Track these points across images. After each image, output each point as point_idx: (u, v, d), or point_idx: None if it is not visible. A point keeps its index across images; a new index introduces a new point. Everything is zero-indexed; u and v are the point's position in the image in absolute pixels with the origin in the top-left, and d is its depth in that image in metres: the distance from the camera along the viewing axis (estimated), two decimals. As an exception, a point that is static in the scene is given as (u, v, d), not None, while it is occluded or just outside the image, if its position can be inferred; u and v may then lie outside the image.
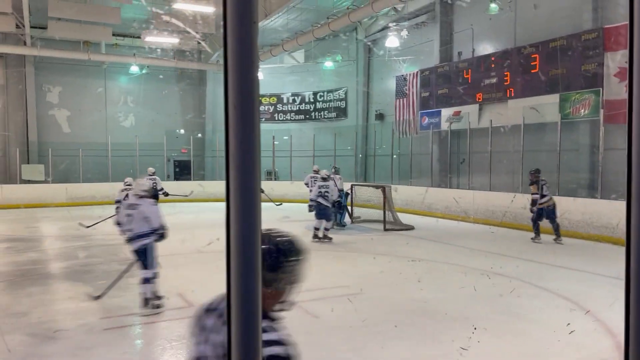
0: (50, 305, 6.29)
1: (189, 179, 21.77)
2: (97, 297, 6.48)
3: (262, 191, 17.29)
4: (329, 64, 21.89)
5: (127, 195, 12.64)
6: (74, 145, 20.75)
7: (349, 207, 13.94)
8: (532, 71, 13.65)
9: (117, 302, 6.41)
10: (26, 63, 20.66)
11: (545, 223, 10.62)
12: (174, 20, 16.92)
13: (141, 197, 6.23)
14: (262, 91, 23.76)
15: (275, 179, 21.94)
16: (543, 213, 10.49)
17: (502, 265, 8.41)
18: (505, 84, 14.48)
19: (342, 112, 22.38)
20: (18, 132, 20.82)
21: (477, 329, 5.24)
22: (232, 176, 0.76)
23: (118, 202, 12.18)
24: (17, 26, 18.22)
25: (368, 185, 14.15)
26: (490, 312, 5.91)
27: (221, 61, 14.66)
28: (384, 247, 10.36)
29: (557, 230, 10.47)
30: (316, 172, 13.59)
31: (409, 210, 15.31)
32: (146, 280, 6.08)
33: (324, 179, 11.32)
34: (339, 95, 22.36)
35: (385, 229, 12.43)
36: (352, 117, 22.01)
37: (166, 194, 13.72)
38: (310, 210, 11.31)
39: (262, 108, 23.95)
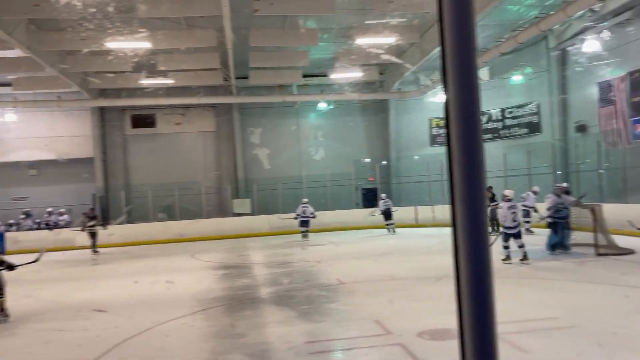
0: (263, 327, 6.85)
1: (377, 206, 22.22)
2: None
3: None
4: (517, 77, 20.60)
5: (304, 210, 18.10)
6: (274, 180, 22.83)
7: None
8: None
9: (320, 327, 6.71)
10: (233, 110, 23.55)
11: None
12: (356, 56, 17.72)
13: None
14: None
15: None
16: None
17: None
18: None
19: (535, 128, 20.76)
20: (229, 171, 23.70)
21: None
22: (458, 209, 0.70)
23: (298, 215, 18.07)
24: (224, 79, 20.93)
25: (574, 206, 12.71)
26: None
27: (403, 88, 15.07)
28: (597, 274, 9.17)
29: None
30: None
31: (626, 232, 13.37)
32: (522, 245, 10.58)
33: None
34: (531, 110, 20.81)
35: (599, 254, 11.02)
36: (546, 132, 20.26)
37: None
38: None
39: (444, 131, 23.52)
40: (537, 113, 20.63)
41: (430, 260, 11.82)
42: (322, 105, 23.80)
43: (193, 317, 7.65)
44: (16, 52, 16.29)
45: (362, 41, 16.17)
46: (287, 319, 7.25)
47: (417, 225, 20.37)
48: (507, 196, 10.92)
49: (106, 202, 22.67)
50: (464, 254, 0.73)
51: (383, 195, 19.54)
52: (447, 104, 0.76)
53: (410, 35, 16.76)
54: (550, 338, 5.61)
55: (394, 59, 19.23)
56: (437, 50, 17.41)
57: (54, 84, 19.53)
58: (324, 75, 21.81)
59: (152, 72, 19.20)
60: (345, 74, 20.15)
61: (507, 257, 10.59)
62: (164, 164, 23.25)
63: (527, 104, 20.95)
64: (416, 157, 23.66)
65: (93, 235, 17.89)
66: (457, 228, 0.76)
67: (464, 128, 0.74)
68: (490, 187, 16.42)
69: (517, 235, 10.69)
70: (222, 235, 20.68)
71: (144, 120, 23.27)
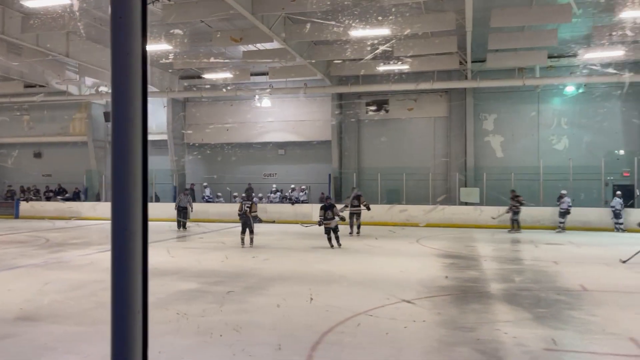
0: (493, 324, 6.41)
1: (632, 206, 19.13)
2: (624, 262, 10.07)
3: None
4: None
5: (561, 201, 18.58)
6: (507, 170, 21.43)
7: None
8: None
9: (561, 335, 6.00)
10: (466, 95, 22.72)
11: None
12: (618, 31, 15.29)
13: None
14: None
15: None
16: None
17: None
18: None
19: None
20: (457, 158, 23.06)
21: None
22: None
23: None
24: (460, 63, 20.26)
25: None
26: None
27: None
28: None
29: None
30: None
31: None
32: None
33: None
34: None
35: None
36: None
37: None
38: None
39: None
40: None
41: None
42: (570, 89, 21.30)
43: (420, 302, 7.60)
44: (273, 44, 18.36)
45: (627, 14, 13.84)
46: (520, 319, 6.68)
47: None
48: None
49: (339, 183, 24.24)
50: None
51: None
52: None
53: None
54: None
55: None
56: None
57: (302, 73, 21.48)
58: (574, 56, 19.41)
59: (389, 58, 19.65)
60: (603, 53, 17.59)
61: None
62: (393, 148, 23.79)
63: None
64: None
65: (356, 215, 17.63)
66: None
67: None
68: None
69: None
70: (448, 224, 20.31)
71: (377, 105, 24.06)
